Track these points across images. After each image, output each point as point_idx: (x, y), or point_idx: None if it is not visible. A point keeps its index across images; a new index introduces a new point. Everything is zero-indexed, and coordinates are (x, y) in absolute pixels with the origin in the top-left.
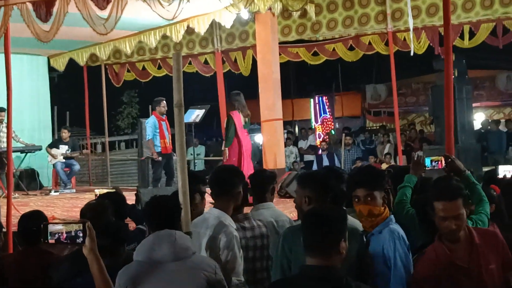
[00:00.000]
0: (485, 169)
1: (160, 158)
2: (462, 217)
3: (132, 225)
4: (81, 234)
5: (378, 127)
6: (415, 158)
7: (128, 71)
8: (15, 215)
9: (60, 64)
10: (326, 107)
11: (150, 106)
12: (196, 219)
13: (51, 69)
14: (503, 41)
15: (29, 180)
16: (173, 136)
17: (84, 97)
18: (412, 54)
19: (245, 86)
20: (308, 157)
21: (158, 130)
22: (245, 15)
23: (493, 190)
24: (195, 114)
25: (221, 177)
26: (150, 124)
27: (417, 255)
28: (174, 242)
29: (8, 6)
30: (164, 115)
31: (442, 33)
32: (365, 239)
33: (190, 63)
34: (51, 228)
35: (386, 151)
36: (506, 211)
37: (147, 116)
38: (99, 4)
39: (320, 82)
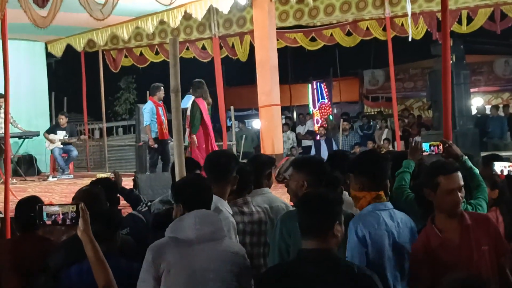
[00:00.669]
0: (484, 154)
1: (156, 145)
2: (463, 189)
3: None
4: (75, 216)
5: (375, 113)
6: (413, 144)
7: (126, 56)
8: (13, 200)
9: (58, 50)
10: (324, 92)
11: (147, 91)
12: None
13: (48, 55)
14: (501, 26)
15: (27, 166)
16: (170, 121)
17: (81, 82)
18: (410, 39)
19: (243, 72)
20: (306, 143)
21: (155, 116)
22: (242, 0)
23: (497, 175)
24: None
25: (217, 163)
26: (147, 109)
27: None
28: (214, 223)
29: None
30: (161, 101)
31: (440, 18)
32: None
33: (187, 49)
34: (46, 209)
35: (384, 136)
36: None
37: (145, 102)
38: None
39: (317, 68)
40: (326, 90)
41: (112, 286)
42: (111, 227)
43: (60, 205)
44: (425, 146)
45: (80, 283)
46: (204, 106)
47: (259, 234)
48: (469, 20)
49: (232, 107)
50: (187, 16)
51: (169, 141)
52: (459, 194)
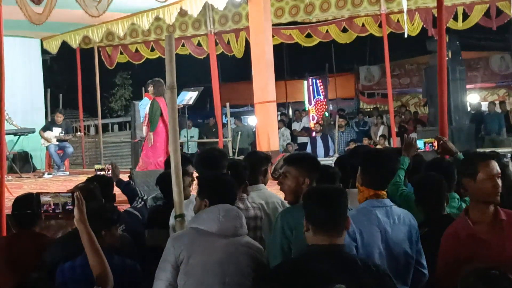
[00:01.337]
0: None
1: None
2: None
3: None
4: (70, 205)
5: (371, 109)
6: (407, 140)
7: (121, 53)
8: (8, 197)
9: (53, 47)
10: (320, 89)
11: (143, 88)
12: (186, 201)
13: (44, 52)
14: (497, 23)
15: (22, 163)
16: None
17: (77, 79)
18: (405, 35)
19: (238, 68)
20: (302, 139)
21: None
22: None
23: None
24: (189, 96)
25: (208, 159)
26: (143, 106)
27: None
28: (238, 218)
29: None
30: None
31: (436, 15)
32: None
33: (183, 45)
34: (43, 198)
35: (380, 133)
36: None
37: (140, 98)
38: None
39: (313, 64)
40: (321, 86)
41: (107, 275)
42: (103, 223)
43: (56, 193)
44: (420, 143)
45: (73, 279)
46: (164, 104)
47: (255, 229)
48: (465, 16)
49: (227, 104)
50: (182, 13)
51: None
52: (499, 180)
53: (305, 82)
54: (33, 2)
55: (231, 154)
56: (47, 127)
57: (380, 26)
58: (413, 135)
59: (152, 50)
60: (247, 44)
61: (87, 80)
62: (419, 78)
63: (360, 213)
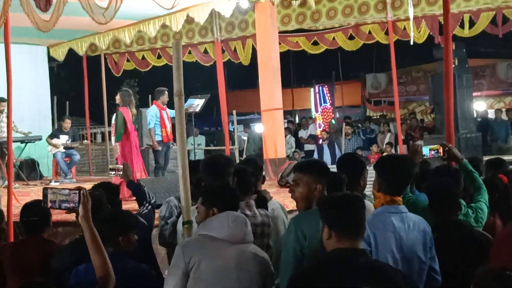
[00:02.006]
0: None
1: (160, 148)
2: None
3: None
4: (76, 202)
5: (378, 117)
6: (413, 147)
7: (128, 60)
8: (15, 205)
9: (60, 54)
10: (327, 96)
11: (150, 95)
12: (193, 207)
13: (50, 59)
14: (503, 30)
15: (29, 170)
16: (174, 125)
17: (83, 86)
18: (412, 43)
19: (245, 76)
20: (309, 147)
21: (159, 120)
22: (244, 4)
23: (499, 179)
24: (195, 104)
25: (213, 165)
26: (152, 113)
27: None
28: (246, 225)
29: None
30: (165, 105)
31: (442, 22)
32: None
33: (189, 53)
34: (50, 194)
35: (386, 140)
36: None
37: (147, 106)
38: None
39: (320, 71)
40: (328, 94)
41: (108, 275)
42: (116, 228)
43: (62, 189)
44: (425, 150)
45: (88, 281)
46: (128, 115)
47: (262, 236)
48: (471, 23)
49: (234, 111)
50: (189, 20)
51: (171, 145)
52: None
53: (312, 89)
54: (40, 9)
55: (237, 161)
56: (54, 134)
57: (386, 33)
58: (420, 142)
59: (159, 57)
60: (254, 52)
61: (94, 88)
62: (426, 86)
63: (376, 218)
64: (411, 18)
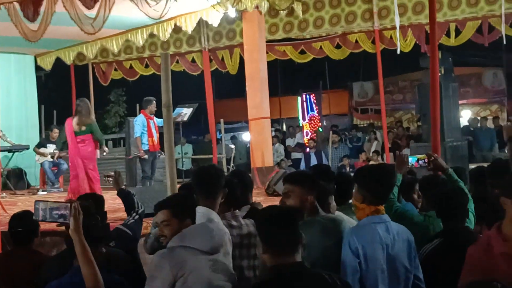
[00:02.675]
0: (472, 166)
1: (146, 156)
2: None
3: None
4: (67, 215)
5: (365, 125)
6: (399, 157)
7: (115, 69)
8: (2, 214)
9: (47, 63)
10: (314, 105)
11: (137, 104)
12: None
13: (38, 68)
14: (489, 39)
15: (16, 180)
16: (161, 134)
17: (71, 96)
18: (398, 52)
19: (233, 85)
20: (296, 155)
21: (146, 129)
22: (232, 13)
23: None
24: (183, 112)
25: (205, 176)
26: (138, 122)
27: (429, 245)
28: (221, 236)
29: None
30: (152, 114)
31: (428, 31)
32: None
33: (177, 62)
34: (41, 207)
35: (373, 148)
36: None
37: (135, 115)
38: (86, 3)
39: (307, 80)
40: (315, 102)
41: (99, 284)
42: (89, 240)
43: (54, 202)
44: (413, 159)
45: None
46: (69, 126)
47: (249, 246)
48: (457, 32)
49: (222, 120)
50: (177, 29)
51: (158, 154)
52: None
53: (299, 98)
54: (28, 19)
55: (225, 170)
56: (42, 143)
57: (373, 42)
58: (406, 151)
59: (147, 66)
60: (241, 61)
61: (81, 97)
62: (412, 94)
63: (363, 230)
64: (398, 27)
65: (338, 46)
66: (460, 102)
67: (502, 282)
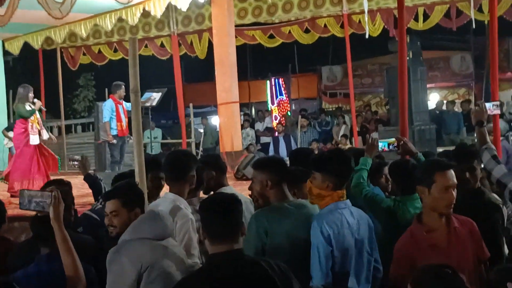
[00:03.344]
0: (440, 149)
1: (115, 141)
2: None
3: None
4: (47, 203)
5: (334, 109)
6: (369, 141)
7: (84, 54)
8: None
9: (15, 48)
10: (283, 89)
11: (106, 89)
12: (152, 204)
13: (5, 53)
14: (457, 23)
15: None
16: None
17: (39, 80)
18: (367, 36)
19: (202, 69)
20: (265, 139)
21: (115, 113)
22: None
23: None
24: (152, 97)
25: (175, 162)
26: (107, 107)
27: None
28: (170, 219)
29: None
30: (121, 99)
31: (397, 15)
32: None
33: (146, 46)
34: (26, 196)
35: (341, 132)
36: None
37: (104, 99)
38: None
39: (276, 64)
40: (284, 86)
41: (78, 276)
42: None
43: (37, 191)
44: (383, 144)
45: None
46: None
47: None
48: (426, 16)
49: (191, 104)
50: (145, 14)
51: (127, 139)
52: (454, 191)
53: (268, 82)
54: None
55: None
56: (10, 127)
57: (342, 26)
58: (375, 134)
59: (115, 51)
60: (210, 45)
61: (50, 81)
62: (381, 78)
63: (331, 215)
64: (366, 11)
65: (307, 31)
66: (428, 85)
67: (432, 264)
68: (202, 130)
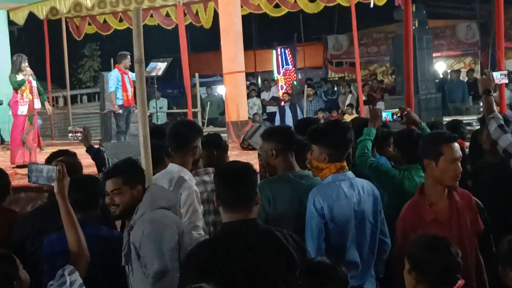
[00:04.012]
0: (446, 118)
1: (121, 111)
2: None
3: None
4: (53, 177)
5: (338, 78)
6: (373, 111)
7: (89, 24)
8: None
9: (20, 18)
10: (289, 58)
11: (112, 59)
12: (156, 175)
13: (10, 23)
14: None
15: None
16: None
17: (44, 50)
18: (372, 5)
19: (207, 38)
20: (271, 109)
21: (120, 83)
22: None
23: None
24: (158, 67)
25: (178, 132)
26: (113, 77)
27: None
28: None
29: None
30: (127, 69)
31: None
32: None
33: (151, 16)
34: (34, 171)
35: (347, 102)
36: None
37: (109, 69)
38: None
39: (282, 34)
40: (290, 56)
41: (81, 250)
42: (91, 195)
43: (44, 165)
44: (387, 114)
45: (63, 251)
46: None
47: (208, 202)
48: None
49: (197, 74)
50: None
51: (133, 109)
52: (460, 164)
53: (274, 51)
54: None
55: (200, 124)
56: None
57: None
58: (380, 104)
59: (121, 21)
60: (216, 14)
61: (55, 52)
62: (387, 47)
63: (327, 188)
64: None
65: (312, 0)
66: (434, 54)
67: (425, 234)
68: (207, 100)
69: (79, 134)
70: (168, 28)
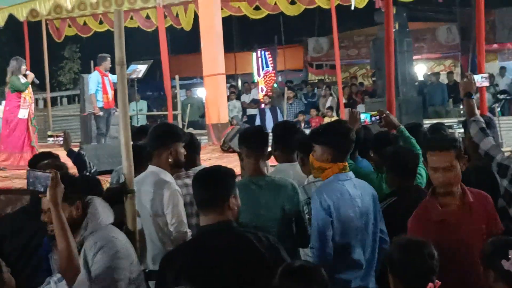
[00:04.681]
0: (426, 121)
1: (101, 113)
2: (454, 169)
3: None
4: (45, 184)
5: (317, 81)
6: (352, 114)
7: (69, 26)
8: None
9: (0, 19)
10: (269, 60)
11: (92, 61)
12: (137, 177)
13: None
14: None
15: None
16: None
17: (24, 52)
18: (353, 8)
19: (188, 40)
20: (251, 111)
21: (101, 85)
22: None
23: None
24: (138, 69)
25: (156, 134)
26: (93, 79)
27: (384, 204)
28: None
29: None
30: (107, 71)
31: None
32: None
33: (131, 18)
34: (31, 175)
35: (328, 104)
36: None
37: (89, 72)
38: None
39: (262, 36)
40: (270, 58)
41: (71, 259)
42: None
43: (40, 172)
44: (366, 116)
45: None
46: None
47: (191, 204)
48: None
49: (177, 76)
50: None
51: (113, 111)
52: (445, 174)
53: (254, 54)
54: None
55: (180, 126)
56: None
57: None
58: (361, 106)
59: (101, 23)
60: (196, 17)
61: (35, 53)
62: (367, 49)
63: (331, 187)
64: None
65: (292, 2)
66: (414, 57)
67: (443, 247)
68: (188, 103)
69: (60, 139)
70: (148, 30)
